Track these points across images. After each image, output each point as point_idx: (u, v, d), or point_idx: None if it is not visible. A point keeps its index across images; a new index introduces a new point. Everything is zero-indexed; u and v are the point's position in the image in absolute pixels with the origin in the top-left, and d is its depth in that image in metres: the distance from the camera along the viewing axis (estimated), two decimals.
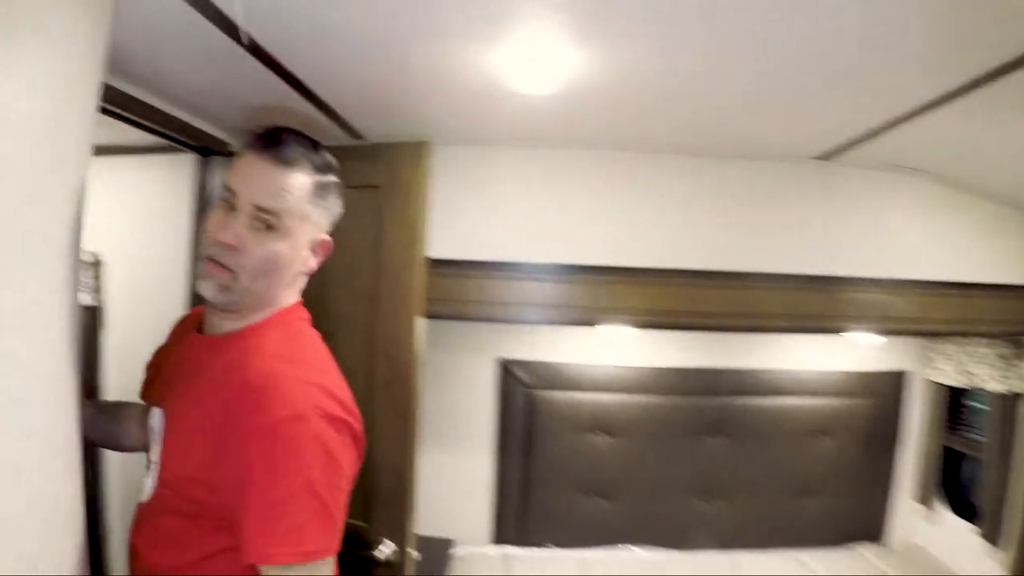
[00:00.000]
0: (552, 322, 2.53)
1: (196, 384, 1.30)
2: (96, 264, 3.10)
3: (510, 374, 3.34)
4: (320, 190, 1.35)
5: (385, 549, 2.21)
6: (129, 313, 2.86)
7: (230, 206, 1.28)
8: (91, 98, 1.20)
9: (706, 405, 3.30)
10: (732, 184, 2.50)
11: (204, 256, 1.29)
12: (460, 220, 2.54)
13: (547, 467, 3.31)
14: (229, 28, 1.46)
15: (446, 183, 2.52)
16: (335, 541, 1.20)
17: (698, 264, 2.47)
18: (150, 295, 2.84)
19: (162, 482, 1.28)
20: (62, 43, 1.09)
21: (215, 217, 1.30)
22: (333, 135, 2.38)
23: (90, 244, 2.93)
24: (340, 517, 1.21)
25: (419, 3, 1.35)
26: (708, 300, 2.49)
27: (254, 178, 1.28)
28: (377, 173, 2.32)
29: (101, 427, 1.52)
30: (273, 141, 1.32)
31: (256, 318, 1.35)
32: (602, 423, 3.28)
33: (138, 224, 2.95)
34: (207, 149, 2.52)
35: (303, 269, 1.40)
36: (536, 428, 3.32)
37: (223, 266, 1.26)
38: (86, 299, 3.05)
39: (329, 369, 1.35)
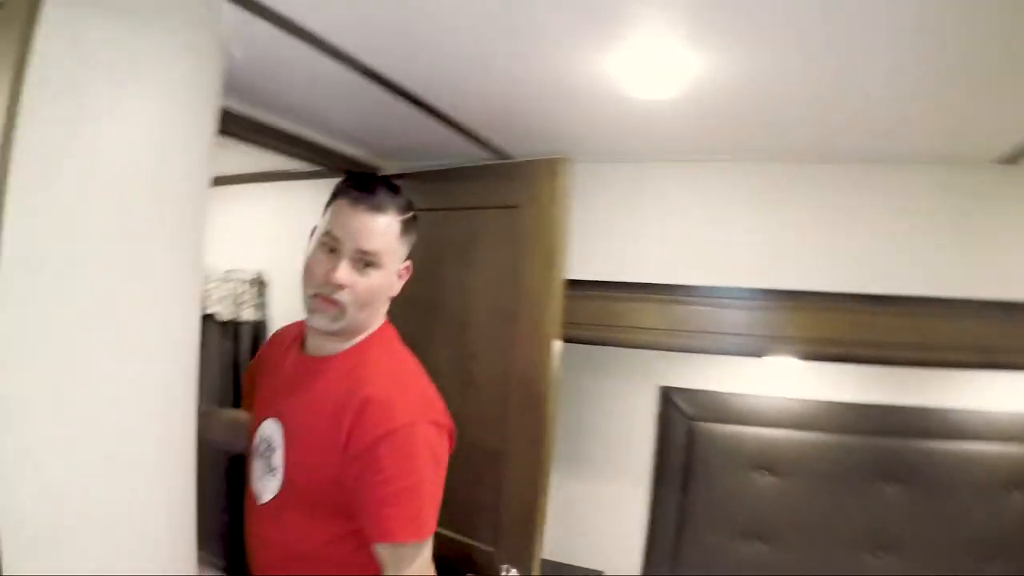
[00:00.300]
0: (701, 350, 2.39)
1: (314, 399, 1.57)
2: (261, 283, 3.29)
3: (671, 403, 3.17)
4: (405, 227, 1.62)
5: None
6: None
7: (332, 249, 1.55)
8: (204, 132, 1.41)
9: (883, 447, 2.94)
10: (904, 195, 2.21)
11: (313, 294, 1.56)
12: (603, 240, 2.47)
13: (704, 504, 3.10)
14: (368, 73, 1.73)
15: (591, 201, 2.46)
16: (435, 524, 1.49)
17: (869, 288, 2.21)
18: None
19: (288, 483, 1.55)
20: (171, 85, 1.28)
21: (318, 259, 1.57)
22: (472, 154, 2.40)
23: (256, 264, 3.21)
24: (439, 504, 1.51)
25: (532, 15, 1.35)
26: (882, 329, 2.21)
27: (355, 226, 1.54)
28: (515, 192, 2.29)
29: (219, 432, 1.92)
30: (366, 191, 1.57)
31: (357, 339, 1.63)
32: (766, 461, 3.01)
33: (297, 244, 3.10)
34: (370, 172, 2.72)
35: (391, 294, 1.67)
36: (695, 462, 3.12)
37: (333, 301, 1.54)
38: (252, 315, 3.23)
39: (423, 379, 1.63)
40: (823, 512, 2.93)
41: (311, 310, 1.58)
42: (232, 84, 1.74)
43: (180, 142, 1.32)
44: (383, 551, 1.46)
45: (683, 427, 3.14)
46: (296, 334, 1.78)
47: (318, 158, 2.53)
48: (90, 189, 1.14)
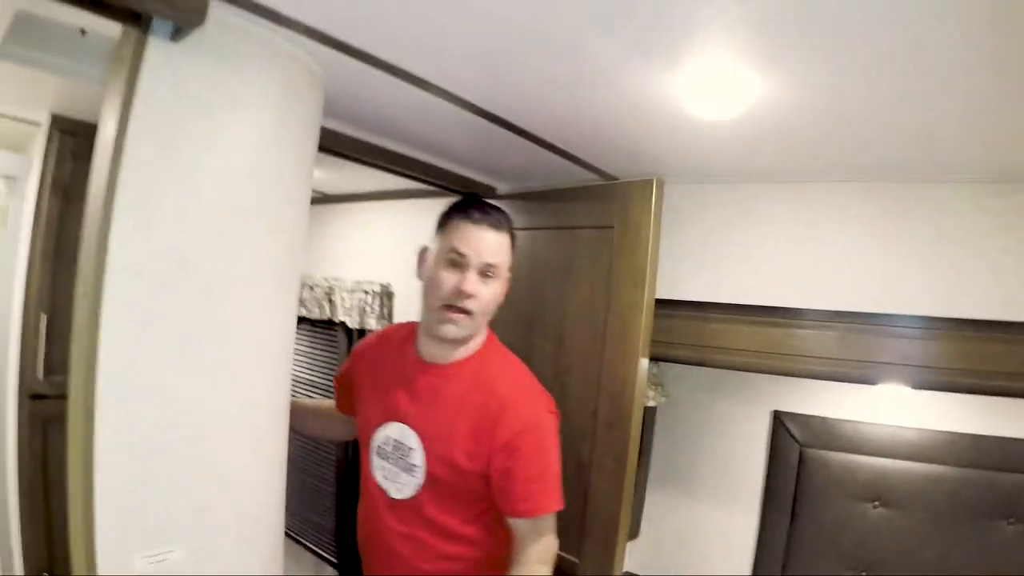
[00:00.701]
0: (793, 374, 2.35)
1: (449, 405, 1.82)
2: (387, 294, 3.50)
3: (783, 428, 3.12)
4: (512, 243, 1.87)
5: None
6: None
7: (457, 264, 1.77)
8: (300, 156, 1.64)
9: (1002, 482, 2.74)
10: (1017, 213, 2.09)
11: (441, 305, 1.77)
12: (700, 260, 2.50)
13: (812, 532, 3.01)
14: (472, 107, 1.93)
15: (688, 222, 2.51)
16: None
17: (984, 313, 2.09)
18: None
19: (430, 479, 1.79)
20: (264, 117, 1.49)
21: (446, 274, 1.78)
22: (577, 174, 2.51)
23: (382, 277, 3.42)
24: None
25: (603, 44, 1.44)
26: (1000, 357, 2.08)
27: (479, 242, 1.77)
28: (609, 213, 2.37)
29: (308, 423, 2.31)
30: (483, 213, 1.81)
31: (473, 345, 1.88)
32: (877, 491, 2.89)
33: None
34: (474, 193, 2.87)
35: (500, 302, 1.87)
36: (805, 489, 3.05)
37: (463, 310, 1.76)
38: (376, 324, 3.45)
39: (532, 375, 1.91)
40: (935, 548, 2.78)
41: (441, 321, 1.78)
42: (359, 117, 2.10)
43: (274, 166, 1.52)
44: (524, 525, 1.76)
45: (794, 453, 3.08)
46: (402, 340, 2.01)
47: (440, 180, 2.76)
48: (190, 208, 1.35)
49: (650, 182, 2.29)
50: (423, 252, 1.91)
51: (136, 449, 1.29)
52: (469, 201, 1.87)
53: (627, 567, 3.42)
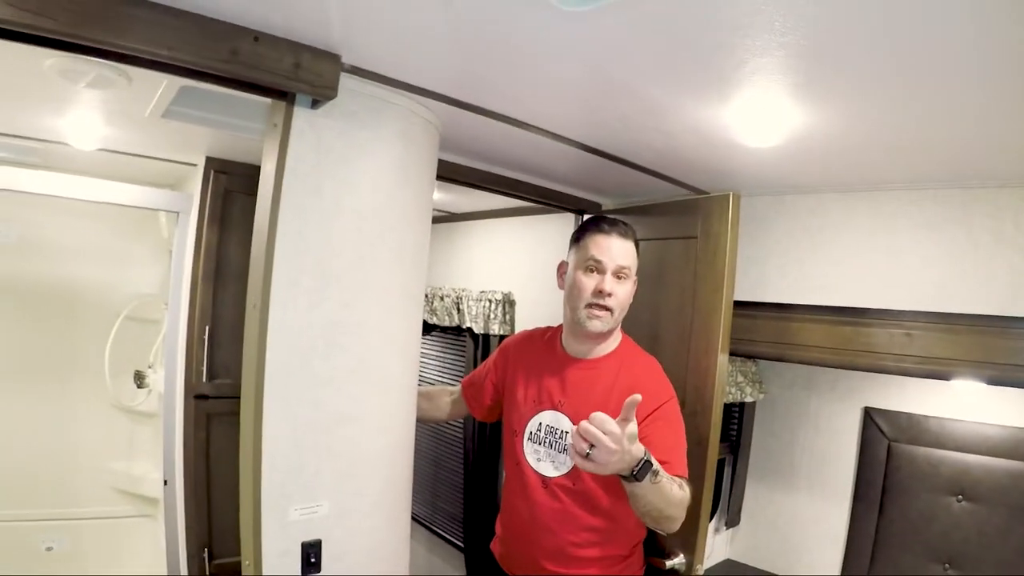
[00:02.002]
0: (866, 369, 2.49)
1: (600, 392, 2.13)
2: (510, 302, 3.79)
3: (873, 423, 3.22)
4: (636, 248, 2.18)
5: (676, 560, 2.44)
6: None
7: (595, 269, 2.12)
8: (420, 189, 2.02)
9: None
10: None
11: (586, 305, 2.12)
12: (781, 264, 2.70)
13: (899, 525, 3.08)
14: (577, 145, 2.27)
15: (770, 230, 2.73)
16: None
17: None
18: (546, 322, 3.53)
19: None
20: (389, 160, 1.87)
21: (584, 279, 2.12)
22: (669, 190, 2.79)
23: (505, 286, 3.74)
24: None
25: (667, 84, 1.67)
26: None
27: (613, 249, 2.11)
28: (693, 225, 2.60)
29: (423, 407, 2.44)
30: (612, 224, 2.14)
31: (613, 343, 2.25)
32: (961, 486, 2.93)
33: (536, 268, 3.79)
34: (581, 209, 3.28)
35: (630, 300, 2.20)
36: (893, 483, 3.13)
37: (605, 307, 2.10)
38: (499, 329, 3.74)
39: (661, 367, 2.25)
40: (1016, 541, 2.81)
41: (587, 318, 2.11)
42: (474, 150, 2.46)
43: (397, 201, 1.90)
44: None
45: (883, 447, 3.20)
46: (547, 340, 2.38)
47: (551, 199, 3.13)
48: (333, 236, 1.73)
49: (727, 197, 2.51)
50: (562, 265, 2.28)
51: (294, 426, 1.69)
52: (597, 217, 2.21)
53: (728, 554, 3.61)
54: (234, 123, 2.22)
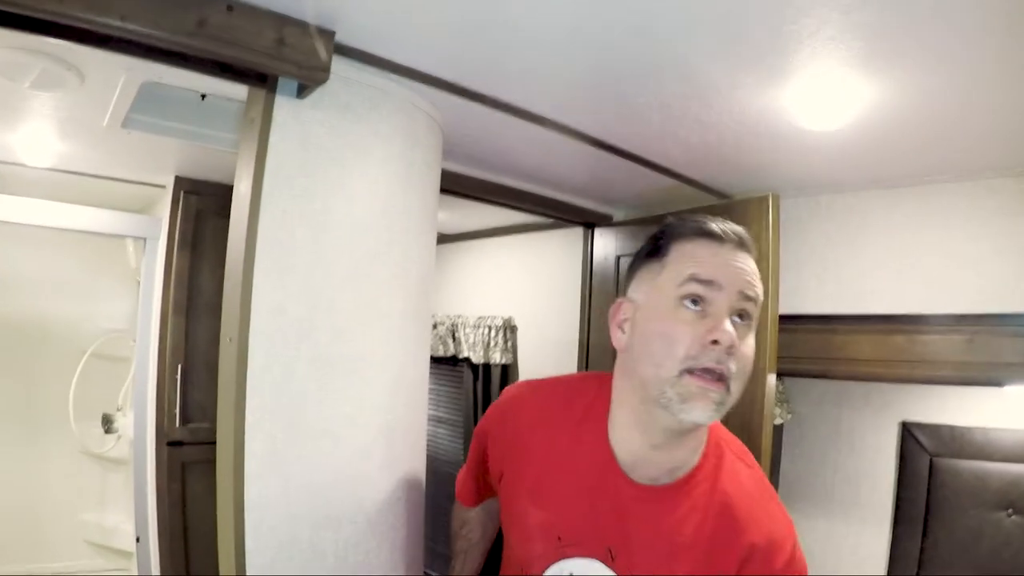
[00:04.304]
0: (923, 381, 2.30)
1: (663, 533, 1.14)
2: (510, 328, 3.56)
3: (912, 438, 3.02)
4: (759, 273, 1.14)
5: None
6: (535, 369, 3.39)
7: (700, 302, 1.07)
8: (424, 194, 1.70)
9: None
10: None
11: (684, 370, 1.04)
12: (821, 273, 2.50)
13: (946, 544, 2.88)
14: (591, 141, 1.98)
15: (808, 235, 2.52)
16: None
17: None
18: (553, 352, 3.26)
19: None
20: (388, 162, 1.57)
21: (679, 321, 1.06)
22: (692, 197, 2.57)
23: (505, 311, 3.49)
24: None
25: (705, 63, 1.46)
26: None
27: (735, 268, 1.08)
28: None
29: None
30: (729, 227, 1.13)
31: (700, 441, 1.18)
32: (1012, 499, 2.75)
33: (540, 289, 3.55)
34: (590, 222, 3.01)
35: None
36: (936, 499, 2.94)
37: (721, 376, 1.03)
38: (500, 358, 3.51)
39: (771, 486, 1.25)
40: None
41: (685, 398, 1.04)
42: (478, 156, 2.18)
43: (400, 208, 1.60)
44: None
45: (924, 463, 2.97)
46: (578, 421, 1.25)
47: (557, 212, 2.84)
48: (324, 253, 1.44)
49: (766, 198, 2.26)
50: (619, 306, 1.19)
51: (285, 490, 1.37)
52: (694, 218, 1.15)
53: None
54: (204, 133, 2.01)
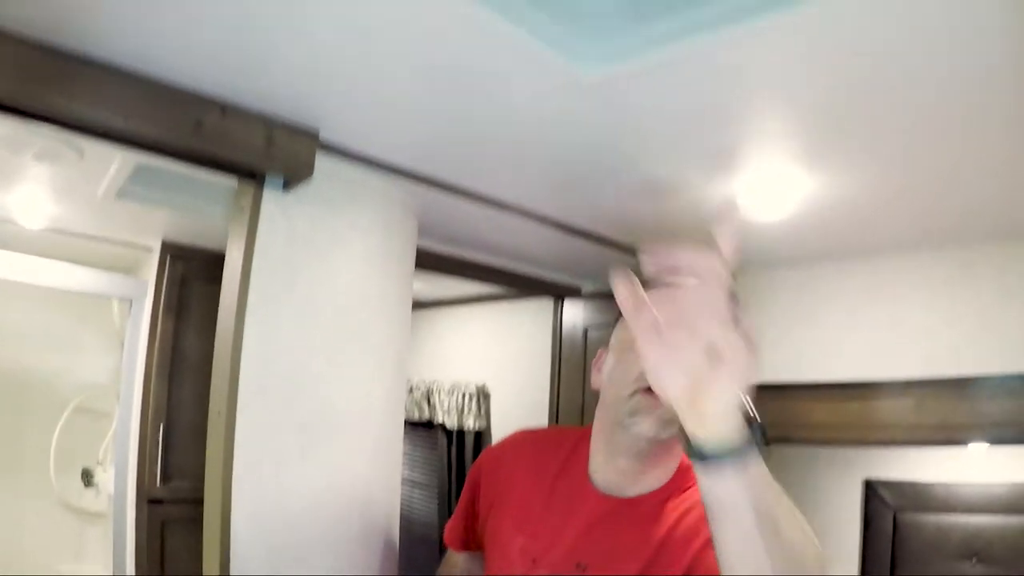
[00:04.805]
0: (877, 443, 2.39)
1: (642, 549, 1.19)
2: (484, 394, 3.63)
3: (876, 495, 3.10)
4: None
5: None
6: (506, 433, 3.36)
7: None
8: (399, 275, 1.83)
9: None
10: None
11: (631, 393, 1.19)
12: (780, 342, 2.57)
13: None
14: (557, 225, 2.08)
15: (768, 305, 2.62)
16: None
17: None
18: (525, 419, 3.33)
19: None
20: (367, 248, 1.70)
21: (628, 359, 1.21)
22: None
23: (479, 378, 3.56)
24: None
25: (667, 158, 1.57)
26: None
27: None
28: None
29: None
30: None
31: (668, 467, 1.26)
32: (975, 549, 2.82)
33: (512, 357, 3.60)
34: (560, 295, 3.12)
35: None
36: (902, 554, 2.99)
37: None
38: (474, 424, 3.57)
39: None
40: None
41: (634, 412, 1.19)
42: (450, 235, 2.28)
43: (377, 291, 1.72)
44: None
45: (888, 518, 3.05)
46: (567, 453, 1.40)
47: (527, 286, 2.95)
48: (307, 333, 1.55)
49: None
50: (600, 355, 1.36)
51: (268, 548, 1.46)
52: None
53: None
54: (195, 205, 2.08)
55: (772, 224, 2.02)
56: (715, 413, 0.73)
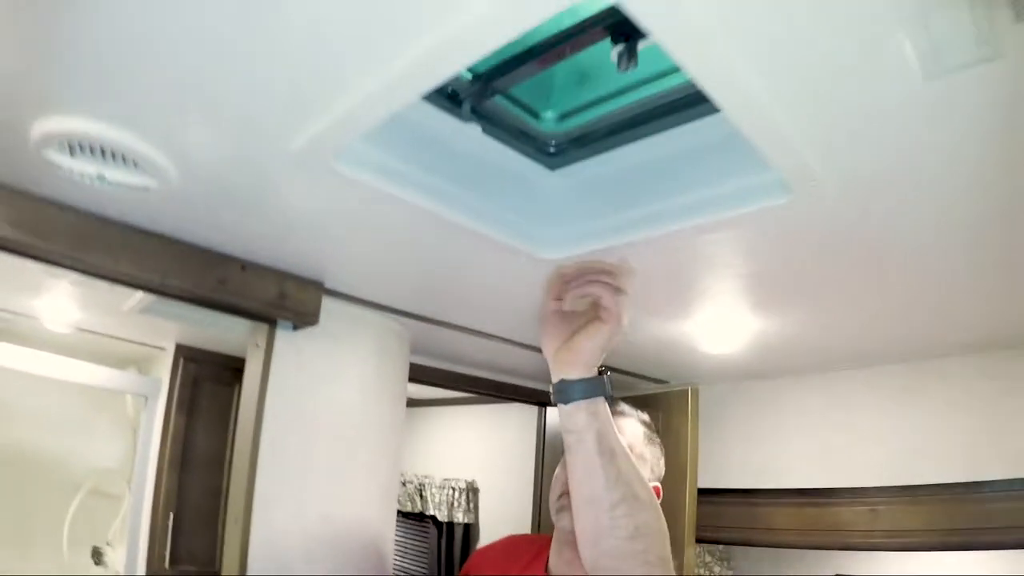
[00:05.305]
0: (834, 547, 2.50)
1: None
2: (473, 490, 3.79)
3: None
4: (648, 437, 1.49)
5: None
6: (494, 528, 3.58)
7: None
8: (394, 395, 2.10)
9: None
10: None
11: (561, 493, 1.35)
12: (742, 450, 2.71)
13: None
14: (535, 349, 2.23)
15: (730, 416, 2.76)
16: None
17: (1000, 472, 2.14)
18: (510, 513, 3.49)
19: None
20: (365, 374, 1.96)
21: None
22: (633, 384, 2.86)
23: (469, 474, 3.71)
24: None
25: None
26: (1006, 515, 2.12)
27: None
28: (656, 419, 2.62)
29: None
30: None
31: None
32: None
33: (500, 455, 3.76)
34: (542, 402, 3.32)
35: None
36: None
37: None
38: (463, 517, 3.72)
39: None
40: None
41: (559, 510, 1.36)
42: (440, 353, 2.52)
43: (374, 409, 2.00)
44: None
45: None
46: (532, 557, 1.55)
47: (512, 394, 3.16)
48: (313, 446, 1.81)
49: (686, 391, 2.59)
50: (555, 478, 1.46)
51: None
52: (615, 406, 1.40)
53: None
54: (212, 321, 2.25)
55: (726, 352, 2.23)
56: (580, 353, 0.98)
